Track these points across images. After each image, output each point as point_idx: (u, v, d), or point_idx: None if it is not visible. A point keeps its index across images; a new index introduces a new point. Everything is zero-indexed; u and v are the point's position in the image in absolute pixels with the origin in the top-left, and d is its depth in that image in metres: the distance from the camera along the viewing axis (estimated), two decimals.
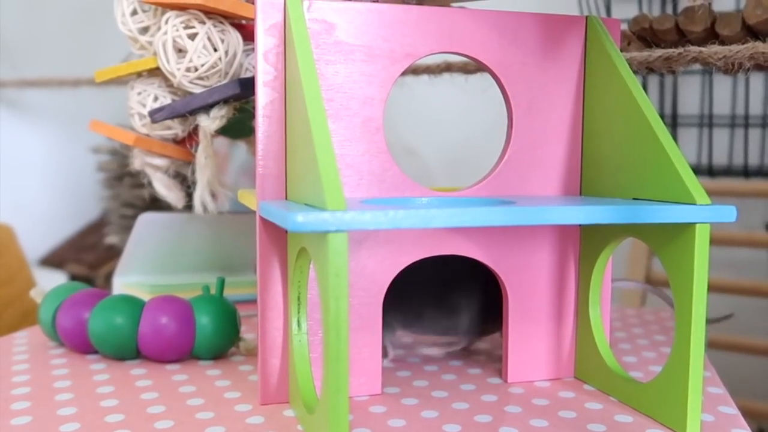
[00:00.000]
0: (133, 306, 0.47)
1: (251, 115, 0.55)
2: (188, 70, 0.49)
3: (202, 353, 0.48)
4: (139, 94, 0.55)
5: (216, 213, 0.56)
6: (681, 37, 0.55)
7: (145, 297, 0.50)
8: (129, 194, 0.88)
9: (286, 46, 0.38)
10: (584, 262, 0.44)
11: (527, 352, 0.44)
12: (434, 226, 0.31)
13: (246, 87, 0.47)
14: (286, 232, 0.40)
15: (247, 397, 0.41)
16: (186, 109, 0.50)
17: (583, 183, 0.45)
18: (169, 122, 0.54)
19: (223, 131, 0.56)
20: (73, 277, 1.08)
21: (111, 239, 0.90)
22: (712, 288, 0.90)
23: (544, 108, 0.44)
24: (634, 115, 0.40)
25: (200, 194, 0.55)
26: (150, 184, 0.59)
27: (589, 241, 0.44)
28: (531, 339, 0.44)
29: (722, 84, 0.95)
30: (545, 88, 0.44)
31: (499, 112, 0.46)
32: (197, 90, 0.51)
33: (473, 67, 0.65)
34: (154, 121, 0.52)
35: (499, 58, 0.43)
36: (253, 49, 0.54)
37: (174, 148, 0.56)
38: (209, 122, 0.51)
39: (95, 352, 0.48)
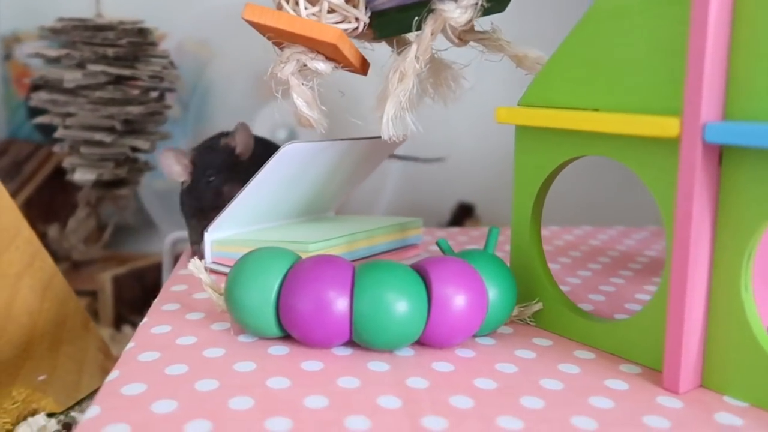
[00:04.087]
0: (413, 279, 0.33)
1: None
2: None
3: (484, 329, 0.36)
4: None
5: (400, 139, 0.42)
6: None
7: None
8: (92, 115, 0.65)
9: None
10: None
11: None
12: None
13: None
14: (719, 169, 0.29)
15: (641, 386, 0.31)
16: None
17: None
18: (353, 10, 0.38)
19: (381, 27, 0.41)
20: None
21: (82, 176, 0.65)
22: None
23: None
24: None
25: (394, 113, 0.40)
26: (282, 95, 0.42)
27: None
28: None
29: None
30: None
31: None
32: None
33: None
34: (374, 9, 0.36)
35: None
36: None
37: (358, 52, 0.40)
38: (459, 13, 0.36)
39: (348, 343, 0.34)
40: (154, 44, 0.69)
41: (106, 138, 0.64)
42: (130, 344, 0.34)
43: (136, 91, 0.66)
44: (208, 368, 0.31)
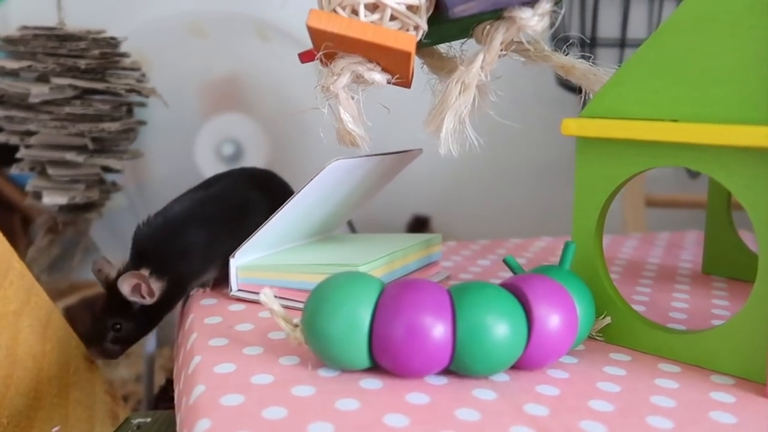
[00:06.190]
0: (511, 301, 0.31)
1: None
2: None
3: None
4: None
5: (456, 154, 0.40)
6: None
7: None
8: (58, 133, 0.58)
9: None
10: None
11: None
12: None
13: None
14: None
15: (746, 397, 0.31)
16: None
17: None
18: (415, 17, 0.37)
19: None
20: None
21: (51, 199, 0.59)
22: None
23: None
24: None
25: (453, 126, 0.38)
26: (329, 108, 0.40)
27: None
28: None
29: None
30: None
31: None
32: None
33: None
34: (453, 15, 0.34)
35: None
36: None
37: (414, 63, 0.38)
38: (536, 20, 0.35)
39: (440, 371, 0.32)
40: (125, 55, 0.64)
41: (77, 158, 0.59)
42: (201, 387, 0.31)
43: (107, 106, 0.61)
44: (309, 409, 0.28)
